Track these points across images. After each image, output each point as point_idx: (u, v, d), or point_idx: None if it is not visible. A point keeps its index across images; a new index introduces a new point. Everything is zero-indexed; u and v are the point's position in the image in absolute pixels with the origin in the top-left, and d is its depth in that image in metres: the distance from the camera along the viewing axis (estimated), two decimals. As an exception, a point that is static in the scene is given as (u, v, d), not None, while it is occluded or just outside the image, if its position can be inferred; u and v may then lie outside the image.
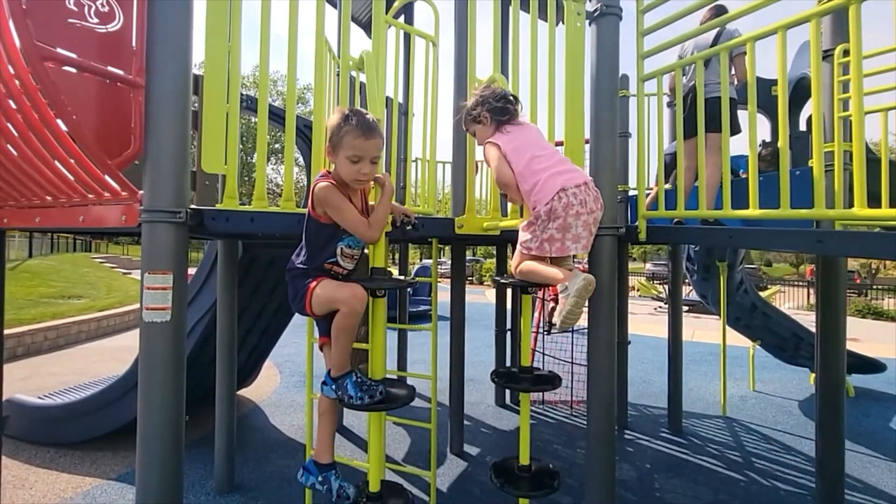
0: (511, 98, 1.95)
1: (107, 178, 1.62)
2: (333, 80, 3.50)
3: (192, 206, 1.62)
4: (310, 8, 1.95)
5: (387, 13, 2.89)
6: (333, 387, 1.59)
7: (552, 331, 5.07)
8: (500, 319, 5.04)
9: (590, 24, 2.30)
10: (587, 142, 2.40)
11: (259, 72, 1.81)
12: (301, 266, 1.63)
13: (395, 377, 1.75)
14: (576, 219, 1.67)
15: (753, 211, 1.74)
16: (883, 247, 1.38)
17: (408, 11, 5.34)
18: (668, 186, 3.38)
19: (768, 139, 4.50)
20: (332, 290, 1.55)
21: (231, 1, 1.72)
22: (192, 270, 3.94)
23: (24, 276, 10.43)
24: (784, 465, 3.57)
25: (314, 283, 1.56)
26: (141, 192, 1.58)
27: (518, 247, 1.80)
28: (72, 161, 1.63)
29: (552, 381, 1.85)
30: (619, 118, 2.55)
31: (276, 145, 22.39)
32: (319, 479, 1.71)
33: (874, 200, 2.15)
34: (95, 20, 1.55)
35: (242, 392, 4.77)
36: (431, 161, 3.11)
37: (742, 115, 3.46)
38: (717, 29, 3.00)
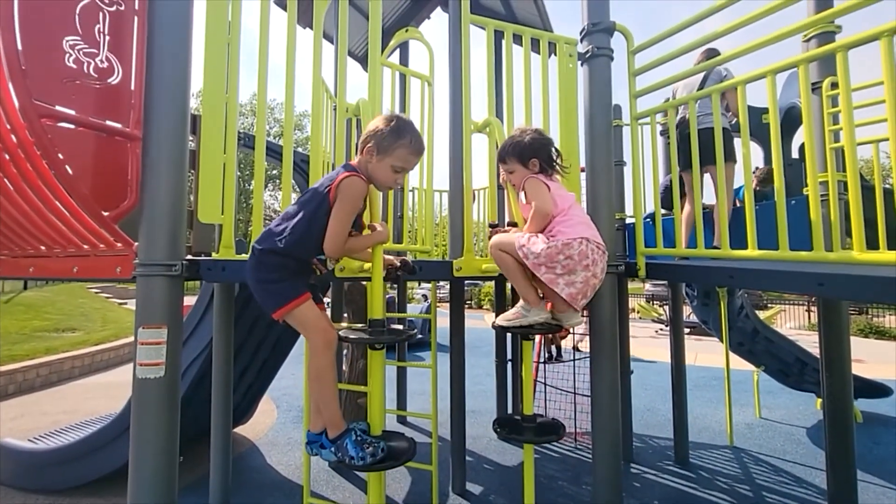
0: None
1: (102, 230, 1.61)
2: (330, 113, 3.55)
3: (189, 257, 1.60)
4: (307, 42, 2.00)
5: (382, 52, 2.95)
6: (333, 448, 1.52)
7: (553, 360, 5.03)
8: (500, 349, 4.97)
9: (582, 64, 2.35)
10: (582, 170, 2.42)
11: (256, 126, 1.82)
12: (285, 253, 1.49)
13: (393, 429, 1.69)
14: (584, 270, 1.70)
15: (752, 252, 1.74)
16: (884, 291, 1.36)
17: (404, 46, 5.47)
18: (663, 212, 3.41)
19: (761, 166, 4.55)
20: (313, 318, 1.51)
21: (229, 54, 1.75)
22: (190, 300, 3.92)
23: (18, 308, 10.33)
24: (795, 498, 3.47)
25: (300, 301, 1.49)
26: (136, 243, 1.57)
27: (517, 240, 1.75)
28: (66, 213, 1.62)
29: (556, 430, 1.80)
30: (613, 149, 2.57)
31: (274, 171, 22.61)
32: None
33: (869, 227, 2.16)
34: (95, 76, 1.57)
35: (239, 430, 4.66)
36: (428, 197, 3.12)
37: (736, 144, 3.52)
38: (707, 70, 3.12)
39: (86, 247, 1.73)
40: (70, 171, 1.52)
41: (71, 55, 1.48)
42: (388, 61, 2.97)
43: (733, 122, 3.41)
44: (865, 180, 3.44)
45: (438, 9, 5.49)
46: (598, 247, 1.76)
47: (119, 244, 1.63)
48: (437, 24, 5.50)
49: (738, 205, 3.69)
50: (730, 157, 3.29)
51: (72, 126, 1.56)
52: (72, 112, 1.55)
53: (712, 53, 3.10)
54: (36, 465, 3.55)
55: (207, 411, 3.06)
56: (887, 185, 3.25)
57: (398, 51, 5.30)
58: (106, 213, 1.60)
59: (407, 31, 3.38)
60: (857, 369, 3.43)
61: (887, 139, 2.93)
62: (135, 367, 1.47)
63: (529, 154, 1.90)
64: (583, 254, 1.70)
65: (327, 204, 1.50)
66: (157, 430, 1.50)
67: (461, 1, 2.23)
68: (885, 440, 4.62)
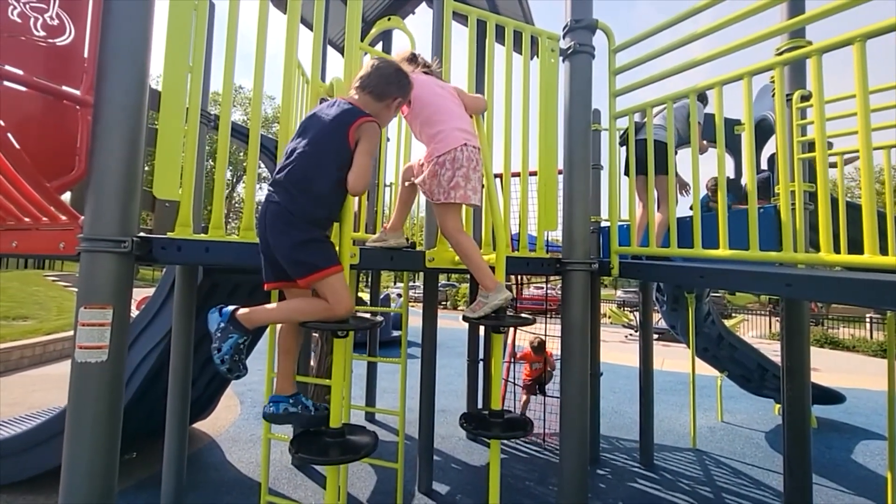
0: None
1: (45, 201, 1.48)
2: (304, 102, 3.44)
3: (141, 234, 1.49)
4: (281, 26, 1.92)
5: (363, 40, 2.88)
6: (290, 401, 1.62)
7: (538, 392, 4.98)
8: (472, 348, 4.94)
9: (563, 60, 2.33)
10: (560, 172, 2.41)
11: (222, 106, 1.72)
12: (324, 211, 1.51)
13: (356, 423, 1.62)
14: (474, 172, 1.75)
15: (724, 251, 1.75)
16: (848, 292, 1.38)
17: (387, 38, 5.39)
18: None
19: (732, 176, 4.67)
20: (343, 289, 1.50)
21: (195, 19, 1.65)
22: (151, 291, 3.71)
23: (-35, 294, 9.71)
24: (753, 500, 3.55)
25: (341, 268, 1.49)
26: (83, 217, 1.45)
27: (434, 201, 1.79)
28: (6, 182, 1.49)
29: (524, 426, 1.77)
30: (591, 151, 2.57)
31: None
32: (291, 401, 1.64)
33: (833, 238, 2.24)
34: (42, 33, 1.44)
35: (198, 425, 4.47)
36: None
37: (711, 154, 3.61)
38: None
39: (27, 220, 1.59)
40: (10, 136, 1.40)
41: (15, 8, 1.36)
42: (369, 47, 2.89)
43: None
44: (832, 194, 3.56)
45: (423, 5, 5.44)
46: (474, 147, 1.78)
47: (64, 217, 1.50)
48: (420, 20, 5.44)
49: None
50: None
51: (14, 86, 1.43)
52: (16, 71, 1.42)
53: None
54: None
55: (164, 407, 2.90)
56: (854, 200, 3.37)
57: (381, 40, 5.21)
58: (50, 184, 1.48)
59: (390, 19, 3.30)
60: (814, 377, 3.54)
61: (855, 152, 3.05)
62: (74, 350, 1.36)
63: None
64: (468, 158, 1.74)
65: (350, 144, 1.52)
66: (96, 421, 1.38)
67: (445, -12, 2.18)
68: (837, 445, 4.80)
